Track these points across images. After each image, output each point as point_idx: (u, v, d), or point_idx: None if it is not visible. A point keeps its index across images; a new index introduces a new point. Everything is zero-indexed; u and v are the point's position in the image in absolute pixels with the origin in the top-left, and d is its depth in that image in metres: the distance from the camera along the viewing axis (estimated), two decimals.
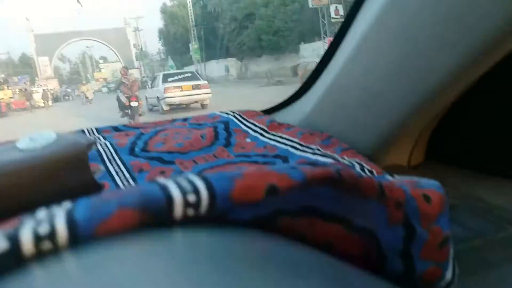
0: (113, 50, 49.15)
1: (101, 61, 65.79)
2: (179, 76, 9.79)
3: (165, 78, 9.49)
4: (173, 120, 0.77)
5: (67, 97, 31.23)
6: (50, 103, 23.21)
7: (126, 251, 0.20)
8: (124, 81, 7.73)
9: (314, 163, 0.38)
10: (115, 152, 0.59)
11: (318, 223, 0.28)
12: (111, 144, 0.61)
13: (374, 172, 0.46)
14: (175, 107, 9.24)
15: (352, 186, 0.28)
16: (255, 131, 0.67)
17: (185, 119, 0.76)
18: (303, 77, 12.86)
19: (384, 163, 0.59)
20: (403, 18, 0.46)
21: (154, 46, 50.92)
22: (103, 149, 0.60)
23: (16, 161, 0.33)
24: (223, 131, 0.67)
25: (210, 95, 9.49)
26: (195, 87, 9.27)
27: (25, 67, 52.32)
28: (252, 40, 21.19)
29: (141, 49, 47.24)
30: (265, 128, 0.66)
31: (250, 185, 0.25)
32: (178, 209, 0.23)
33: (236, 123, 0.71)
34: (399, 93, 0.51)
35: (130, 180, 0.51)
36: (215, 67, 34.00)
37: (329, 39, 15.14)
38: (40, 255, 0.20)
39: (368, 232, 0.29)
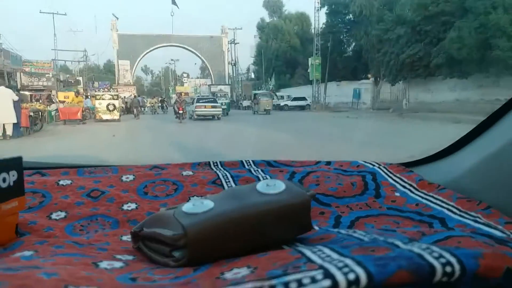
0: (203, 61, 42.62)
1: (185, 75, 61.37)
2: (205, 100, 17.11)
3: (198, 100, 16.70)
4: (318, 162, 0.83)
5: (142, 108, 25.12)
6: (116, 114, 16.05)
7: None
8: (178, 100, 15.49)
9: (491, 236, 0.44)
10: None
11: None
12: None
13: None
14: (202, 118, 15.87)
15: None
16: (404, 187, 0.69)
17: (328, 163, 0.83)
18: None
19: None
20: None
21: (243, 63, 44.16)
22: None
23: (260, 203, 0.42)
24: (371, 182, 0.71)
25: (221, 111, 16.49)
26: (213, 106, 16.11)
27: (107, 73, 48.30)
28: (465, 49, 12.08)
29: (235, 64, 40.40)
30: (414, 185, 0.68)
31: (493, 266, 0.30)
32: (438, 277, 0.30)
33: (383, 175, 0.73)
34: None
35: None
36: (335, 91, 25.57)
37: None
38: None
39: None
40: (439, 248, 0.33)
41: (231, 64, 40.56)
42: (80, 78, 31.60)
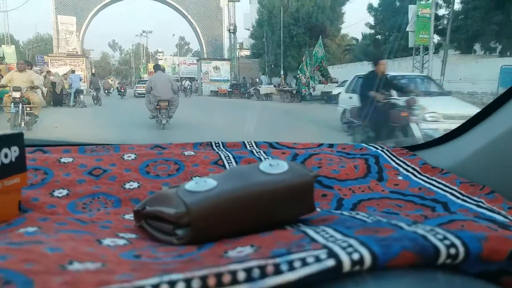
0: (191, 23, 29.88)
1: (160, 50, 48.86)
2: (142, 83, 18.31)
3: (139, 82, 19.86)
4: (320, 144, 0.82)
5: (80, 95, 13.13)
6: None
7: (404, 283, 0.28)
8: (120, 83, 19.78)
9: (494, 220, 0.44)
10: None
11: None
12: None
13: None
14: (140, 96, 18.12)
15: None
16: (407, 170, 0.68)
17: (331, 145, 0.81)
18: None
19: None
20: None
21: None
22: None
23: (263, 183, 0.42)
24: (374, 165, 0.70)
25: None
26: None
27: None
28: None
29: (234, 31, 28.19)
30: (417, 169, 0.68)
31: (496, 248, 0.31)
32: (442, 258, 0.30)
33: (386, 158, 0.73)
34: None
35: None
36: (465, 71, 13.92)
37: None
38: (350, 275, 0.28)
39: None
40: (443, 230, 0.33)
41: (229, 31, 28.29)
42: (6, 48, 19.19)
